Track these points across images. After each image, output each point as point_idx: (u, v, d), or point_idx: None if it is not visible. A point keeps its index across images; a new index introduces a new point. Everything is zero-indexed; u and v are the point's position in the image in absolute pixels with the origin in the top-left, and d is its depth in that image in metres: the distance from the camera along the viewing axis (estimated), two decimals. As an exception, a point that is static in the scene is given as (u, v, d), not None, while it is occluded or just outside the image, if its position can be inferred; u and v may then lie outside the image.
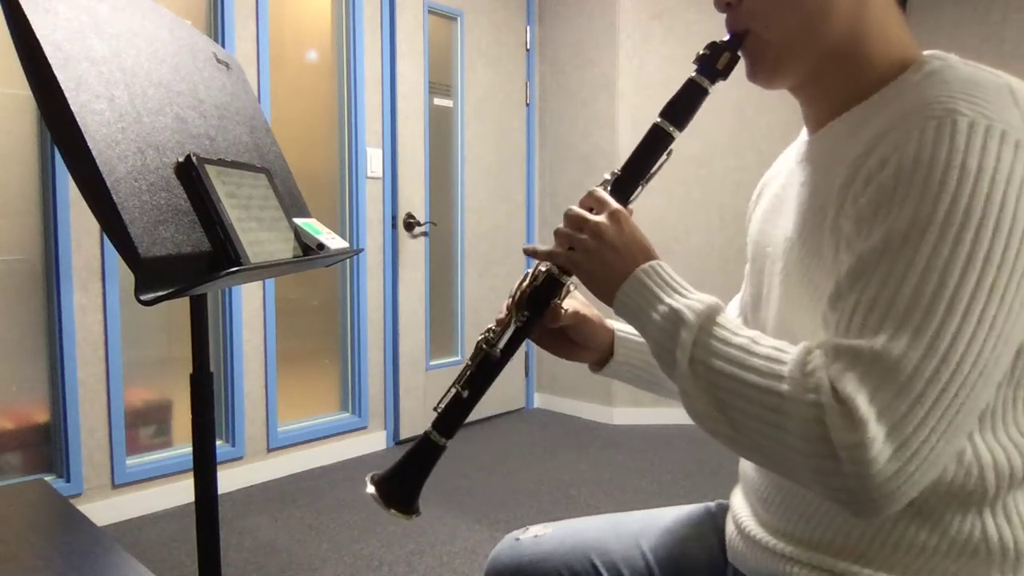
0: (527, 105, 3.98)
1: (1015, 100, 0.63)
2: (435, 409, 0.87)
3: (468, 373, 0.87)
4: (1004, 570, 0.67)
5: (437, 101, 3.57)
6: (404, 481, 0.86)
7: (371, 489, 0.85)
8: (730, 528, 0.89)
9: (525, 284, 0.87)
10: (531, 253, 0.84)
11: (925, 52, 0.74)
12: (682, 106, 0.81)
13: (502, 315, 0.88)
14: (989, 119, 0.60)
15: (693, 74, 0.80)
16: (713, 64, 0.79)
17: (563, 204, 3.95)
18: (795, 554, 0.75)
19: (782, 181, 0.86)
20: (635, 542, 0.95)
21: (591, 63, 3.79)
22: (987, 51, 3.45)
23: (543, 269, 0.86)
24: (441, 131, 3.61)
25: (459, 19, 3.61)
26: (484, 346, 0.86)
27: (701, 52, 0.80)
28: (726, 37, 0.79)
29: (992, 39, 3.43)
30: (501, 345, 0.86)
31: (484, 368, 0.86)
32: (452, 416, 0.86)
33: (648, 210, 3.71)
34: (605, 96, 3.73)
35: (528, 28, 3.94)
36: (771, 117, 3.60)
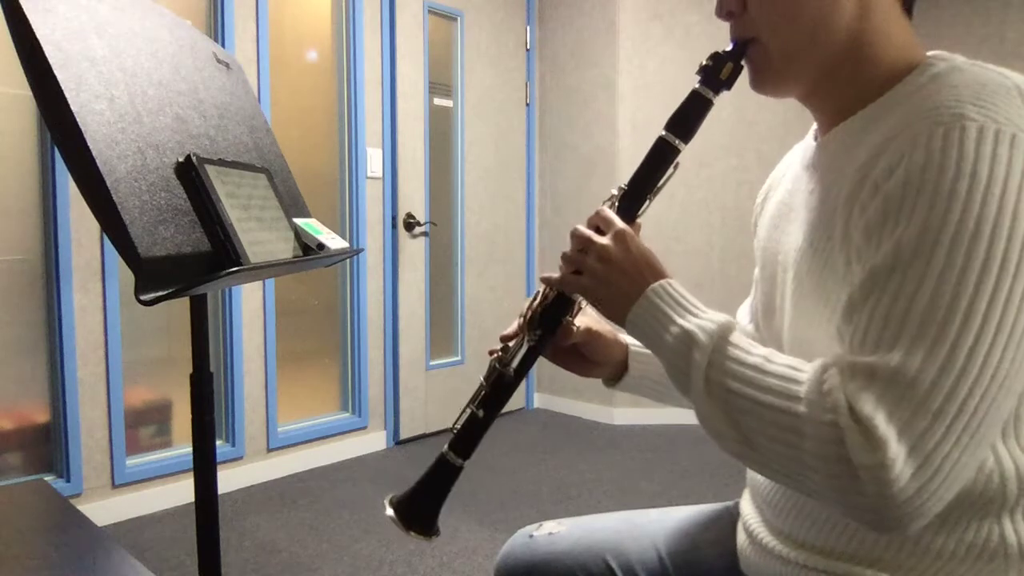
0: (527, 105, 3.98)
1: None
2: (451, 430, 0.87)
3: (483, 393, 0.86)
4: (1022, 572, 0.66)
5: (437, 101, 3.57)
6: (423, 503, 0.86)
7: (390, 512, 0.85)
8: (741, 536, 0.87)
9: (536, 302, 0.86)
10: (545, 282, 0.84)
11: (929, 53, 0.72)
12: (687, 118, 0.80)
13: (509, 332, 0.87)
14: (998, 123, 0.59)
15: (697, 85, 0.79)
16: (716, 75, 0.78)
17: (563, 204, 3.95)
18: (807, 561, 0.74)
19: (788, 187, 0.85)
20: (651, 543, 0.94)
21: (591, 63, 3.78)
22: (987, 51, 3.45)
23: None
24: (441, 131, 3.61)
25: (459, 19, 3.61)
26: (497, 365, 0.86)
27: (704, 63, 0.79)
28: (729, 47, 0.78)
29: (992, 39, 3.43)
30: (515, 364, 0.86)
31: (499, 388, 0.86)
32: (469, 436, 0.86)
33: (648, 210, 3.70)
34: (605, 96, 3.73)
35: (528, 28, 3.94)
36: (772, 117, 3.59)
